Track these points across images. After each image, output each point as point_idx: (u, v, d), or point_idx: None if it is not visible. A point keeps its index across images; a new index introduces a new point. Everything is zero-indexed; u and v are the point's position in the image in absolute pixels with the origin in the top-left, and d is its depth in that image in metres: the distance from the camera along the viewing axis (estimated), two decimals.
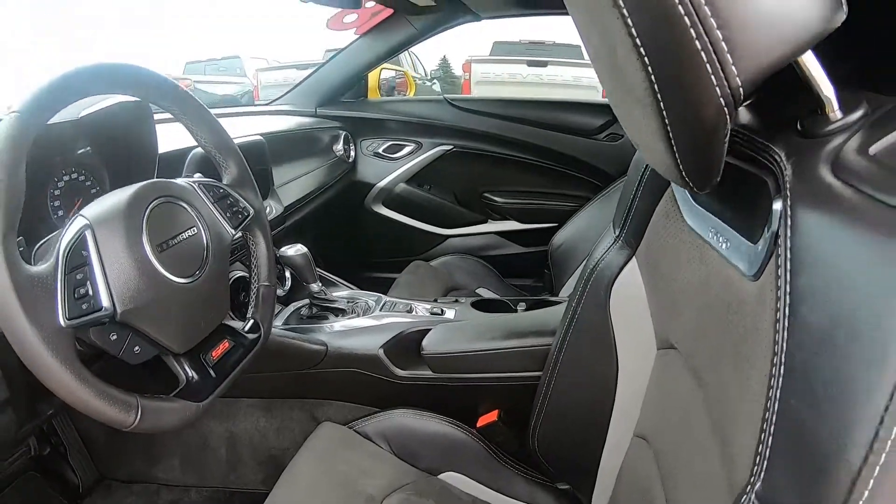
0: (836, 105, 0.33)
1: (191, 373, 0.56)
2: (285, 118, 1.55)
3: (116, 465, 0.97)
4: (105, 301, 0.47)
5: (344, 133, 1.64)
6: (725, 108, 0.29)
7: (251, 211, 0.67)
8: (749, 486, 0.30)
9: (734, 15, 0.27)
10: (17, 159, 0.43)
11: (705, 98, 0.29)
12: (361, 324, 0.92)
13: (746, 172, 0.39)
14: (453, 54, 7.75)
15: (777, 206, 0.34)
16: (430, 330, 0.88)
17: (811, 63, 0.32)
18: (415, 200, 1.75)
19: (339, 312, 0.96)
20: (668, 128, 0.32)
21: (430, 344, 0.86)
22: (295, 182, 1.32)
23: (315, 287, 0.93)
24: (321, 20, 1.56)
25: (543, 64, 5.16)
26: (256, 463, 0.94)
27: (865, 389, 0.24)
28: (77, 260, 0.47)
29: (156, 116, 0.78)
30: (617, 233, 0.65)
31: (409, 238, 1.78)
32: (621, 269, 0.63)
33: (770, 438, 0.29)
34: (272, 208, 1.12)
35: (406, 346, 0.88)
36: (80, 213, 0.50)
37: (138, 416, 0.48)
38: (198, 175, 0.67)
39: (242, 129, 1.13)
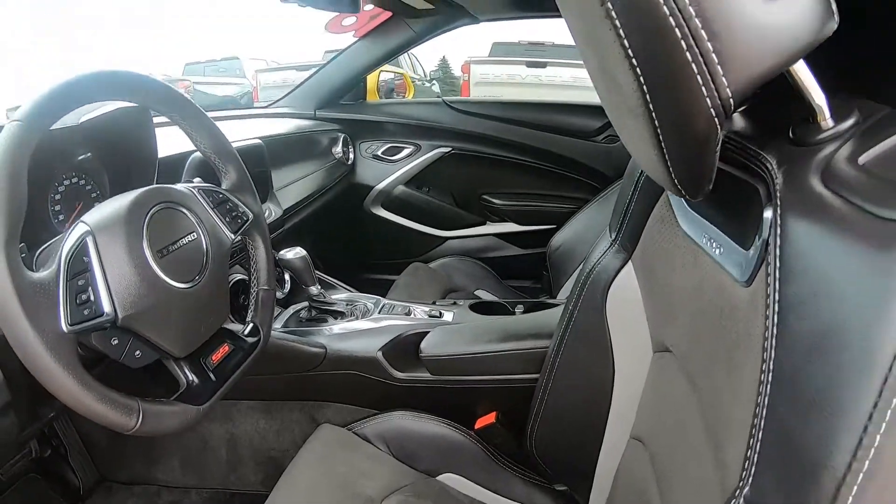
0: (827, 113, 0.34)
1: (191, 376, 0.57)
2: (284, 121, 1.55)
3: (117, 467, 0.97)
4: (106, 306, 0.48)
5: (343, 135, 1.65)
6: (716, 119, 0.29)
7: (250, 215, 0.68)
8: (738, 491, 0.31)
9: (724, 27, 0.27)
10: (20, 167, 0.43)
11: (696, 108, 0.29)
12: (360, 326, 0.92)
13: (739, 179, 0.40)
14: (453, 55, 7.77)
15: (768, 214, 0.34)
16: (428, 332, 0.89)
17: (802, 71, 0.32)
18: (413, 202, 1.76)
19: (337, 315, 0.96)
20: (660, 137, 0.32)
21: (428, 346, 0.87)
22: (294, 185, 1.32)
23: (314, 290, 0.94)
24: (320, 21, 1.55)
25: (543, 65, 5.15)
26: (256, 464, 0.94)
27: (851, 399, 0.24)
28: (78, 266, 0.48)
29: (154, 120, 0.79)
30: (613, 237, 0.66)
31: (407, 240, 1.78)
32: (617, 272, 0.63)
33: (758, 444, 0.30)
34: (271, 211, 1.12)
35: (404, 348, 0.88)
36: (82, 219, 0.50)
37: (139, 420, 0.48)
38: (197, 179, 0.68)
39: (241, 132, 1.13)
